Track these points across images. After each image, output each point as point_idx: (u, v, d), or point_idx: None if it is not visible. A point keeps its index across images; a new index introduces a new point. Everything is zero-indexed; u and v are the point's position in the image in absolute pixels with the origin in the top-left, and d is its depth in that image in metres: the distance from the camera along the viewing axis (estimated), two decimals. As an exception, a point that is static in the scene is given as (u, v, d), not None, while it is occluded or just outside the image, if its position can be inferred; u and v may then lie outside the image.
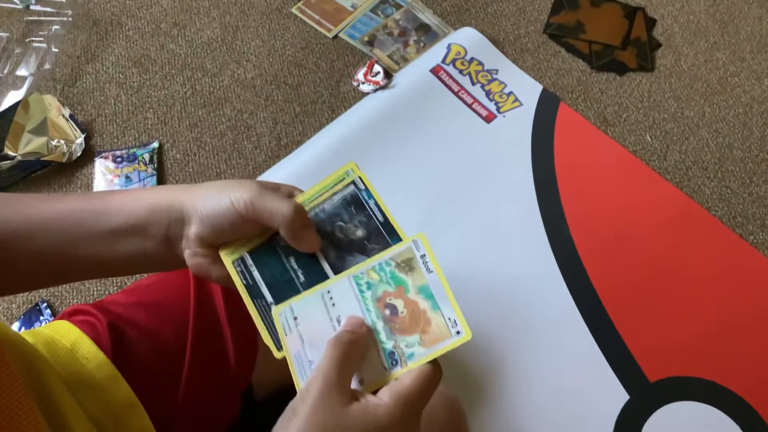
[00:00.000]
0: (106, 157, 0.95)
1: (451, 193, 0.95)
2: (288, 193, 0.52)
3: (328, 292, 0.48)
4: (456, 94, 1.03)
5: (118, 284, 0.86)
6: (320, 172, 0.90)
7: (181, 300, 0.61)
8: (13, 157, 0.92)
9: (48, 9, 1.07)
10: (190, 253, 0.50)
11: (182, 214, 0.50)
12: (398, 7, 1.12)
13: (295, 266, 0.51)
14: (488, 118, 1.02)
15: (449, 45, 1.07)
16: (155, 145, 0.96)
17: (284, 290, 0.50)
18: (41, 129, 0.95)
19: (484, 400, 0.80)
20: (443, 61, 1.06)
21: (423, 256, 0.49)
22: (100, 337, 0.57)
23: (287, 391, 0.44)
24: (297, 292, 0.50)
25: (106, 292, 0.85)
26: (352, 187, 0.52)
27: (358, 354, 0.44)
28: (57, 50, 1.04)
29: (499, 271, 0.89)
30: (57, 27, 1.05)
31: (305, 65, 1.05)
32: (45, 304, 0.84)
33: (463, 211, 0.93)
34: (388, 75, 1.04)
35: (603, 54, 1.07)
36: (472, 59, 1.06)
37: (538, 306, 0.87)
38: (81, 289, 0.86)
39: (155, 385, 0.57)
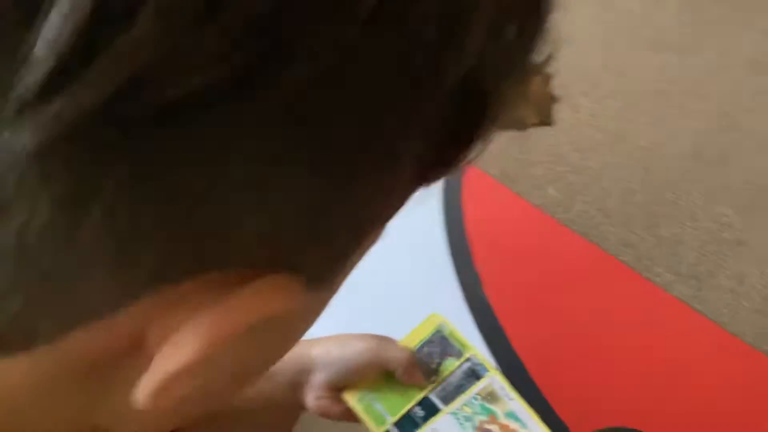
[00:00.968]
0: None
1: (368, 272, 0.95)
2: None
3: (434, 429, 0.61)
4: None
5: None
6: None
7: None
8: None
9: None
10: (314, 396, 0.60)
11: (309, 364, 0.60)
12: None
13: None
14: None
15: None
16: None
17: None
18: None
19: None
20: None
21: (502, 388, 0.63)
22: None
23: None
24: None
25: None
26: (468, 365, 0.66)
27: None
28: None
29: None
30: None
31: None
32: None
33: (382, 288, 0.93)
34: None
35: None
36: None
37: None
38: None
39: None
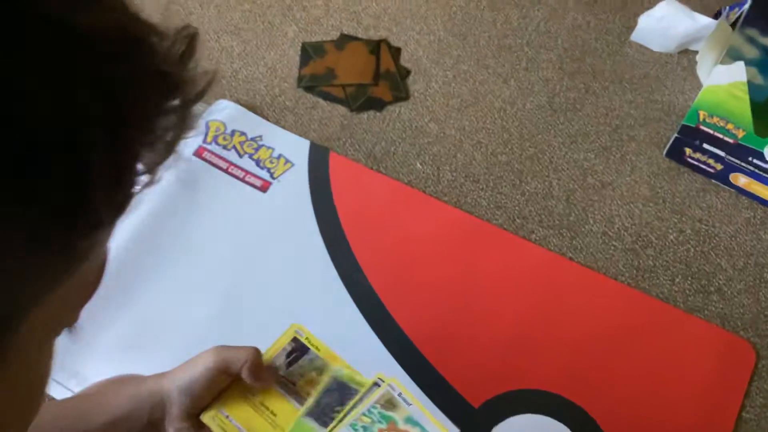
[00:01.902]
0: None
1: (244, 274, 0.92)
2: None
3: None
4: (226, 171, 1.01)
5: None
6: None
7: None
8: None
9: None
10: (174, 430, 0.59)
11: (162, 397, 0.59)
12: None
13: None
14: (264, 187, 1.00)
15: (207, 123, 1.05)
16: None
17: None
18: None
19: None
20: (205, 141, 1.03)
21: (400, 394, 0.63)
22: None
23: None
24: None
25: None
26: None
27: None
28: None
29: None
30: None
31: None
32: None
33: (262, 289, 0.91)
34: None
35: (358, 94, 1.08)
36: (233, 131, 1.05)
37: (355, 362, 0.86)
38: None
39: None
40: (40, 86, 0.21)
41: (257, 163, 1.02)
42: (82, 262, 0.27)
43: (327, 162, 1.02)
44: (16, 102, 0.21)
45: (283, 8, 1.18)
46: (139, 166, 0.26)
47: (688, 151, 1.01)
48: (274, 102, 1.08)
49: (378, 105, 1.07)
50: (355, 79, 1.10)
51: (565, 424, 0.83)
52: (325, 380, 0.66)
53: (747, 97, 0.97)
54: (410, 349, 0.86)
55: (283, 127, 1.06)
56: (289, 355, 0.66)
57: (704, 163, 1.00)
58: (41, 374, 0.32)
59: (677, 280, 0.93)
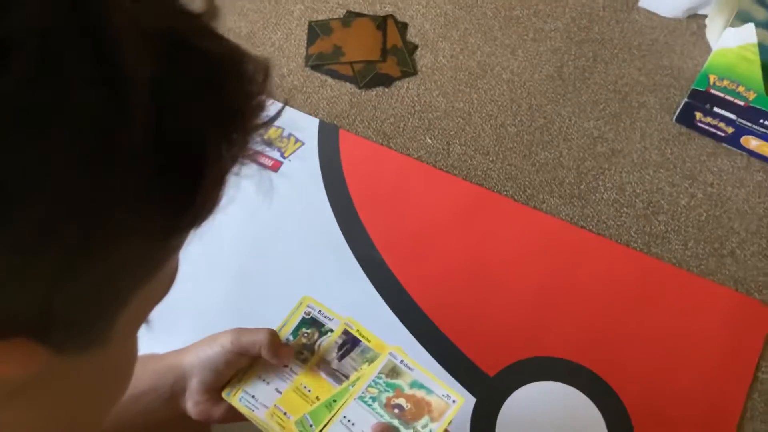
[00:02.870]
0: None
1: (258, 252, 0.93)
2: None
3: (344, 417, 0.61)
4: (237, 152, 1.02)
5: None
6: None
7: None
8: None
9: None
10: (193, 402, 0.61)
11: (183, 371, 0.61)
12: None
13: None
14: (275, 167, 1.01)
15: (217, 106, 1.06)
16: None
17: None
18: None
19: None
20: (216, 124, 1.04)
21: (402, 361, 0.64)
22: None
23: None
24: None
25: None
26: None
27: None
28: None
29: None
30: None
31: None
32: None
33: (275, 266, 0.92)
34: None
35: (366, 71, 1.08)
36: (244, 113, 1.05)
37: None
38: None
39: None
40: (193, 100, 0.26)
41: (268, 143, 1.03)
42: (168, 261, 0.30)
43: (337, 139, 1.03)
44: (181, 121, 0.25)
45: (289, -12, 1.18)
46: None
47: (698, 115, 1.00)
48: (283, 82, 1.09)
49: (386, 81, 1.08)
50: (362, 56, 1.10)
51: (581, 390, 0.83)
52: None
53: (758, 59, 0.96)
54: (424, 321, 0.87)
55: (293, 107, 1.06)
56: (340, 348, 0.67)
57: (715, 126, 1.00)
58: (129, 360, 0.35)
59: (690, 244, 0.93)
